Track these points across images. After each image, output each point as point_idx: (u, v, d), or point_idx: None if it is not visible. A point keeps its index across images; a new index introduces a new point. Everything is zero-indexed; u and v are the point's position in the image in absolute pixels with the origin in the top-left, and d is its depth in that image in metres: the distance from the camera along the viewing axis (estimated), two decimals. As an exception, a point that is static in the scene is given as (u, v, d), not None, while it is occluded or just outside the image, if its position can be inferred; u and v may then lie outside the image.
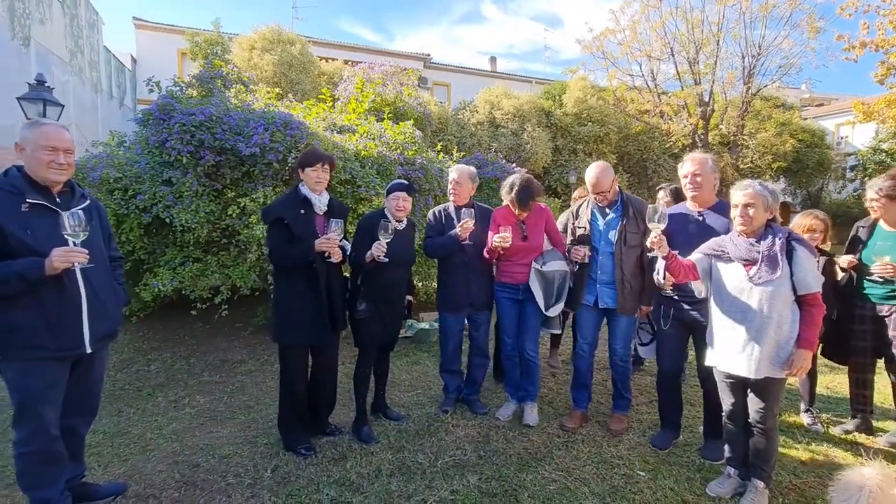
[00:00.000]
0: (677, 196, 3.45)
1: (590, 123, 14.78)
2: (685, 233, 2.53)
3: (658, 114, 14.87)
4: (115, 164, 4.16)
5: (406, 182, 2.97)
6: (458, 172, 3.14)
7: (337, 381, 2.91)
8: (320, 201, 2.61)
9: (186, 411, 3.30)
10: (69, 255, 1.74)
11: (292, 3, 30.80)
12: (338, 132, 4.93)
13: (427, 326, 4.99)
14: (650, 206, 2.27)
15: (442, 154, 6.28)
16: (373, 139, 4.96)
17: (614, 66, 15.08)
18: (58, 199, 1.89)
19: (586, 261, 2.87)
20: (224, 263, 4.40)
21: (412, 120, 6.01)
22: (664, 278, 2.37)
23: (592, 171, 2.86)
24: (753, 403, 2.20)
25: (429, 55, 18.95)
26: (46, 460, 1.90)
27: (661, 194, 3.63)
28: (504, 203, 3.07)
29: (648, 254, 2.58)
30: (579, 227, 3.02)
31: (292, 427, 2.68)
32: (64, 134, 1.91)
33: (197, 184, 3.96)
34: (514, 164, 7.58)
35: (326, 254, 2.51)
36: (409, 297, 3.20)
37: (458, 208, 3.10)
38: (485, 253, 3.05)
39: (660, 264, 2.33)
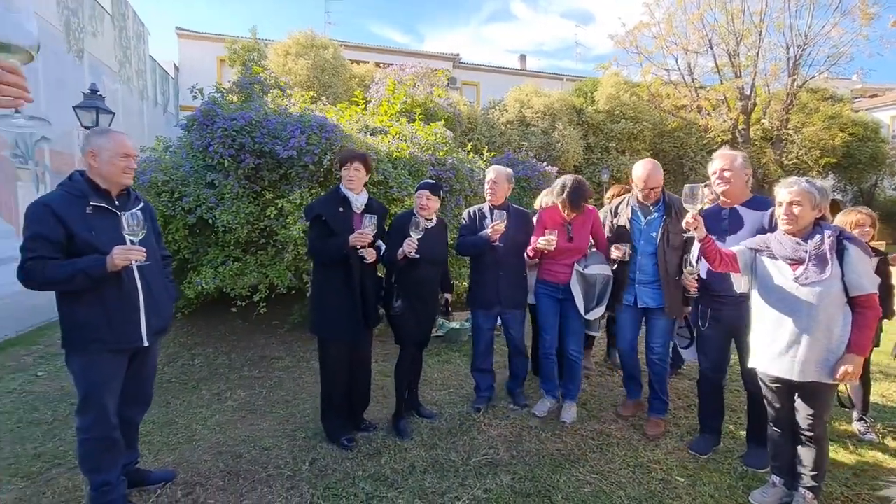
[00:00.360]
0: None
1: (623, 120, 14.46)
2: (718, 230, 2.47)
3: (695, 109, 14.39)
4: (163, 168, 4.38)
5: (431, 181, 3.02)
6: (495, 173, 3.16)
7: (371, 378, 2.98)
8: (358, 200, 2.68)
9: (228, 404, 3.44)
10: (128, 254, 1.86)
11: (325, 9, 31.41)
12: (370, 134, 5.01)
13: (458, 326, 5.01)
14: (686, 185, 2.24)
15: (472, 154, 6.30)
16: (404, 140, 5.03)
17: (649, 61, 14.69)
18: (116, 202, 2.02)
19: (626, 259, 2.84)
20: (262, 263, 4.56)
21: (443, 120, 6.05)
22: (696, 261, 2.34)
23: (645, 166, 2.83)
24: (801, 410, 2.11)
25: (458, 55, 18.99)
26: (106, 446, 2.03)
27: (706, 191, 3.54)
28: (546, 203, 3.08)
29: (684, 234, 2.56)
30: (619, 226, 2.98)
31: (334, 419, 2.76)
32: (131, 140, 2.07)
33: (237, 186, 4.13)
34: (544, 164, 7.51)
35: (360, 249, 2.58)
36: (446, 296, 3.23)
37: (493, 208, 3.12)
38: (528, 252, 3.06)
39: (695, 249, 2.29)
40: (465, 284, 5.59)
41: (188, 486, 2.36)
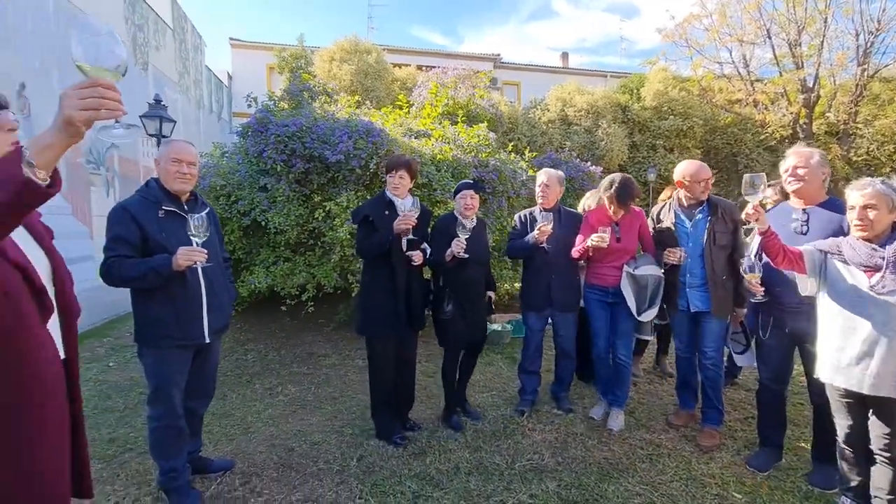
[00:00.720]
0: (787, 193, 3.19)
1: (671, 117, 13.89)
2: (786, 231, 2.34)
3: (751, 103, 13.59)
4: (220, 174, 4.64)
5: (471, 181, 3.06)
6: (546, 175, 3.17)
7: (415, 379, 3.04)
8: (403, 204, 2.74)
9: (280, 399, 3.59)
10: (191, 255, 1.97)
11: (368, 14, 32.26)
12: (414, 137, 5.09)
13: (499, 328, 5.00)
14: (745, 175, 2.15)
15: (513, 154, 6.25)
16: (447, 143, 5.07)
17: (699, 54, 14.04)
18: (185, 207, 2.17)
19: (682, 262, 2.79)
20: (310, 263, 4.73)
21: (485, 122, 6.04)
22: (755, 256, 2.24)
23: (692, 162, 2.83)
24: (876, 428, 1.96)
25: (498, 55, 18.88)
26: (173, 435, 2.18)
27: (769, 191, 3.36)
28: (590, 205, 3.05)
29: (744, 226, 2.47)
30: (664, 230, 2.94)
31: (385, 417, 2.83)
32: (189, 148, 2.18)
33: (288, 189, 4.31)
34: (588, 163, 7.34)
35: (408, 252, 2.63)
36: (490, 294, 3.26)
37: (543, 211, 3.11)
38: (573, 252, 3.02)
39: (754, 244, 2.19)
40: (506, 286, 5.59)
41: (245, 476, 2.49)
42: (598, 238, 2.78)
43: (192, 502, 2.20)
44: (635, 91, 14.87)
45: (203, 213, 2.08)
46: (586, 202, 3.57)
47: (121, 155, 9.62)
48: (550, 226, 2.95)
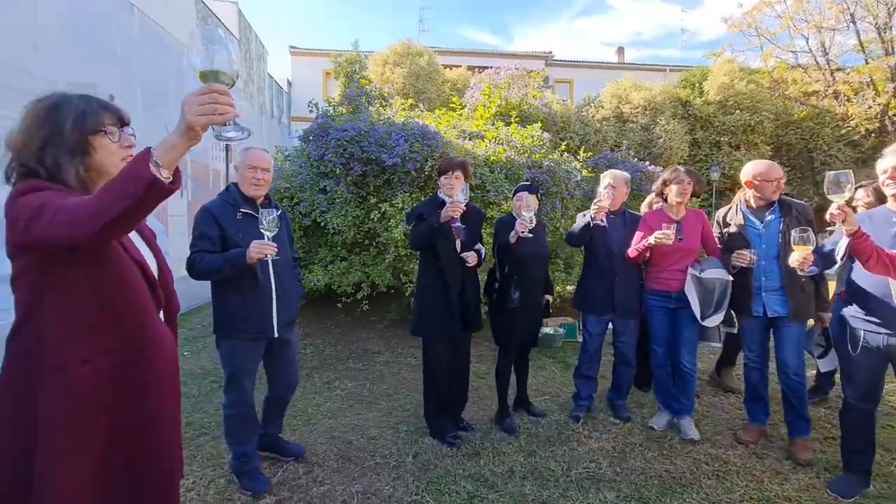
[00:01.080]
0: (882, 196, 2.92)
1: (738, 111, 13.05)
2: (887, 238, 2.13)
3: (830, 95, 12.50)
4: (284, 176, 4.89)
5: (527, 183, 3.07)
6: (612, 177, 3.11)
7: (469, 379, 3.06)
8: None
9: (337, 393, 3.74)
10: (262, 248, 2.10)
11: (419, 17, 32.77)
12: (468, 139, 5.12)
13: (552, 331, 4.92)
14: (829, 172, 1.99)
15: (566, 154, 6.12)
16: (501, 144, 5.05)
17: (771, 44, 13.07)
18: (259, 209, 2.32)
19: (753, 264, 2.65)
20: (365, 262, 4.88)
21: (539, 122, 5.96)
22: (841, 258, 2.07)
23: (761, 163, 2.72)
24: None
25: (550, 53, 18.55)
26: (245, 422, 2.35)
27: (860, 193, 3.09)
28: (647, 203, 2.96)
29: (828, 228, 2.31)
30: (730, 235, 2.81)
31: (439, 417, 2.87)
32: (265, 156, 2.33)
33: (346, 192, 4.47)
34: (646, 163, 7.05)
35: (458, 242, 2.69)
36: (547, 297, 3.24)
37: (609, 214, 3.07)
38: (630, 251, 2.95)
39: (842, 244, 2.03)
40: (557, 289, 5.49)
41: (308, 465, 2.62)
42: (662, 234, 2.68)
43: (260, 486, 2.34)
44: (697, 85, 14.10)
45: (274, 211, 2.22)
46: (652, 204, 3.49)
47: (193, 159, 10.37)
48: (608, 202, 2.89)
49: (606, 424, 3.11)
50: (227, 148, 7.79)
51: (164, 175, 0.94)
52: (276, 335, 2.33)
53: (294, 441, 2.89)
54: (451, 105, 6.45)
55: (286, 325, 2.40)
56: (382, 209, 4.43)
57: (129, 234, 1.26)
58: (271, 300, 2.29)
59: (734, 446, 2.83)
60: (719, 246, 2.92)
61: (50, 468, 1.07)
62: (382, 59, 12.77)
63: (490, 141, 5.11)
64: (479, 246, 2.89)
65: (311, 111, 5.25)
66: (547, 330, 4.88)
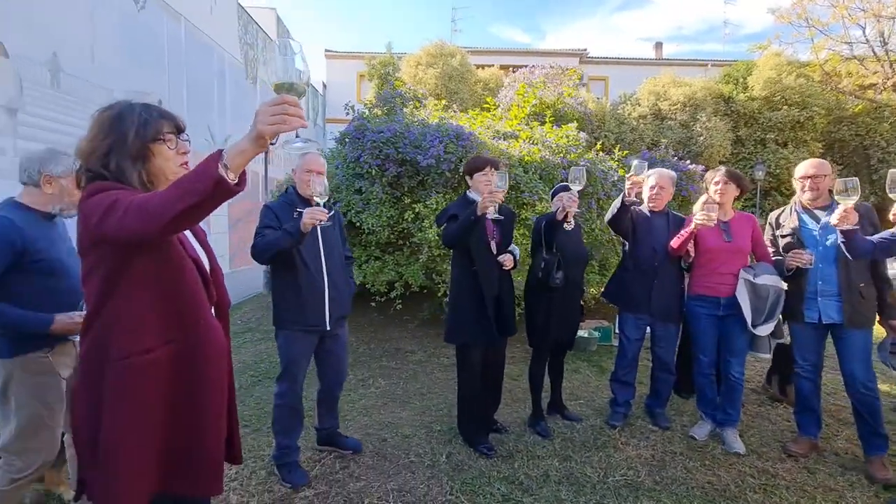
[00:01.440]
0: None
1: (785, 107, 12.39)
2: None
3: (889, 87, 11.71)
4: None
5: (566, 184, 3.00)
6: (658, 176, 3.02)
7: (502, 380, 3.03)
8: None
9: (371, 391, 3.80)
10: (314, 213, 2.16)
11: (451, 17, 32.81)
12: (502, 139, 5.09)
13: (586, 334, 4.83)
14: (891, 171, 1.90)
15: (601, 153, 5.98)
16: (535, 144, 5.00)
17: (823, 35, 12.39)
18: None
19: (810, 265, 2.53)
20: (398, 262, 4.94)
21: (575, 122, 5.87)
22: None
23: (812, 161, 2.64)
24: None
25: (585, 50, 18.20)
26: (293, 414, 2.47)
27: None
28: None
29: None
30: (784, 237, 2.68)
31: (472, 425, 2.84)
32: (319, 160, 2.46)
33: (381, 192, 4.54)
34: (687, 162, 6.81)
35: (493, 243, 2.69)
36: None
37: (653, 214, 2.99)
38: (673, 242, 2.84)
39: None
40: (592, 290, 5.38)
41: (344, 461, 2.68)
42: (704, 216, 2.58)
43: (299, 479, 2.42)
44: (741, 80, 13.47)
45: (324, 178, 2.32)
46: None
47: (234, 160, 10.74)
48: (642, 175, 2.73)
49: (644, 431, 3.03)
50: (266, 153, 8.04)
51: (231, 177, 1.00)
52: (328, 328, 2.44)
53: (330, 436, 2.97)
54: (485, 105, 6.43)
55: (338, 319, 2.51)
56: (416, 210, 4.47)
57: (185, 233, 1.33)
58: (324, 294, 2.41)
59: (782, 459, 2.70)
60: (772, 250, 2.79)
61: (113, 449, 1.17)
62: (415, 61, 12.86)
63: (524, 141, 5.07)
64: (513, 247, 2.87)
65: (347, 113, 5.36)
66: (582, 333, 4.80)
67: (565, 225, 2.77)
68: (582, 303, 3.22)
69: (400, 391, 3.79)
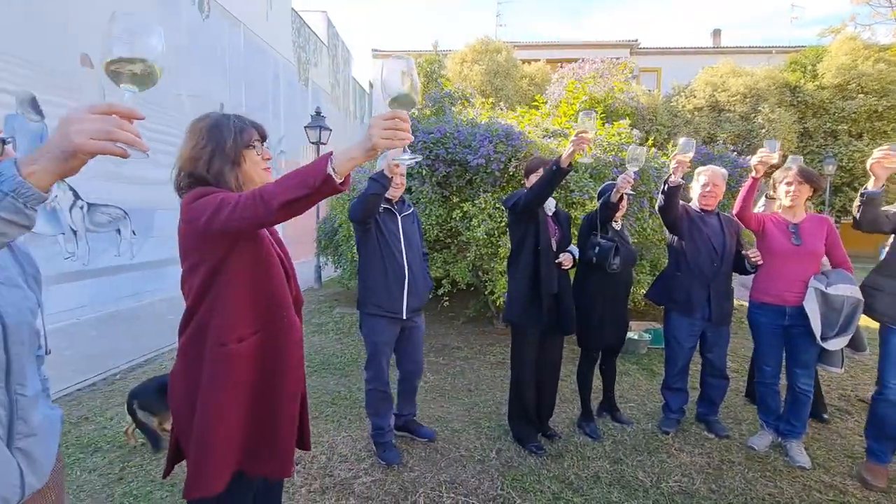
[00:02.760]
0: None
1: (861, 95, 11.47)
2: None
3: None
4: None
5: (614, 182, 2.95)
6: (711, 173, 2.91)
7: (557, 387, 3.00)
8: (548, 204, 2.78)
9: (421, 385, 3.89)
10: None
11: (496, 12, 32.53)
12: (551, 137, 5.05)
13: (636, 336, 4.73)
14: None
15: (653, 149, 5.77)
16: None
17: (908, 15, 11.28)
18: (395, 207, 2.67)
19: None
20: (446, 260, 5.03)
21: (627, 118, 5.71)
22: None
23: None
24: None
25: (636, 41, 17.54)
26: (382, 398, 2.68)
27: None
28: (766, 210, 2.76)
29: None
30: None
31: (522, 423, 2.86)
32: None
33: (431, 192, 4.64)
34: (746, 157, 6.45)
35: (553, 241, 2.73)
36: None
37: (705, 213, 2.92)
38: (737, 202, 2.71)
39: None
40: (642, 291, 5.24)
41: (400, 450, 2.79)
42: (763, 154, 2.48)
43: (393, 457, 2.65)
44: (809, 68, 12.57)
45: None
46: (762, 206, 3.26)
47: (286, 158, 11.26)
48: (689, 155, 2.57)
49: (699, 438, 2.96)
50: (319, 148, 8.37)
51: (337, 178, 1.09)
52: (405, 317, 2.62)
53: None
54: (534, 103, 6.38)
55: (414, 310, 2.68)
56: (464, 209, 4.54)
57: (270, 233, 1.46)
58: (403, 285, 2.60)
59: (853, 476, 2.56)
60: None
61: (206, 427, 1.31)
62: (461, 58, 12.91)
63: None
64: (572, 247, 2.87)
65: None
66: (631, 335, 4.70)
67: (613, 223, 2.74)
68: (631, 304, 3.17)
69: (448, 386, 3.88)
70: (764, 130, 11.07)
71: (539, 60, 13.93)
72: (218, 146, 1.34)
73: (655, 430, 3.05)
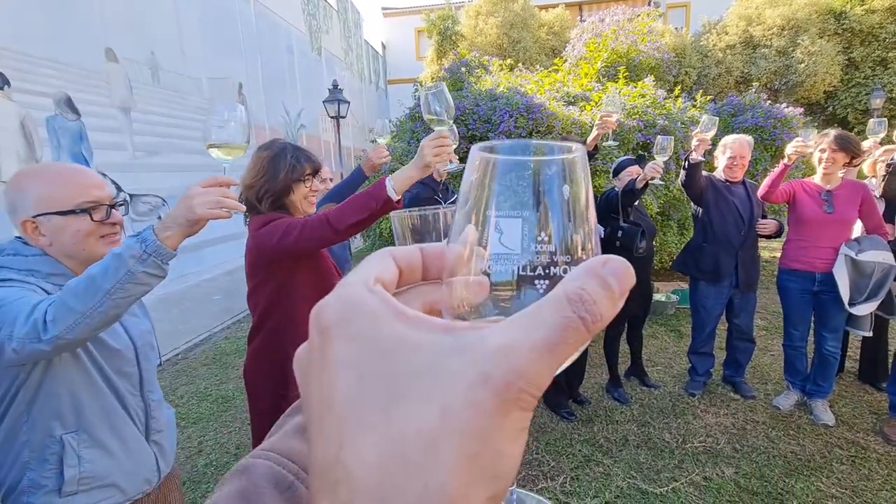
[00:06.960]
0: None
1: (916, 18, 10.44)
2: None
3: None
4: (396, 157, 5.25)
5: (633, 157, 3.00)
6: (738, 144, 2.86)
7: (587, 354, 3.19)
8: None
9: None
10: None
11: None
12: (571, 103, 4.96)
13: (664, 298, 4.81)
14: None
15: (679, 100, 5.46)
16: (608, 105, 4.82)
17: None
18: (439, 195, 2.88)
19: None
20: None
21: (651, 75, 5.49)
22: None
23: None
24: None
25: (662, -28, 16.22)
26: None
27: None
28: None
29: None
30: None
31: (553, 390, 3.02)
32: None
33: (454, 168, 4.70)
34: (783, 105, 6.14)
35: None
36: None
37: (731, 183, 2.90)
38: (763, 188, 2.76)
39: None
40: (670, 249, 5.25)
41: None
42: (798, 143, 2.52)
43: None
44: (858, -11, 11.45)
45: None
46: None
47: (307, 133, 11.35)
48: (711, 133, 2.60)
49: (725, 399, 3.10)
50: (338, 122, 8.43)
51: (396, 197, 1.30)
52: None
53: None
54: (554, 67, 6.17)
55: None
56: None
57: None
58: None
59: (875, 432, 2.67)
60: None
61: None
62: (475, 11, 12.35)
63: (597, 104, 4.89)
64: (598, 226, 2.96)
65: (416, 90, 5.46)
66: (658, 297, 4.78)
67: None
68: (658, 264, 3.26)
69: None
70: (803, 65, 10.33)
71: (557, 6, 13.17)
72: (270, 180, 1.52)
73: (682, 392, 3.21)
